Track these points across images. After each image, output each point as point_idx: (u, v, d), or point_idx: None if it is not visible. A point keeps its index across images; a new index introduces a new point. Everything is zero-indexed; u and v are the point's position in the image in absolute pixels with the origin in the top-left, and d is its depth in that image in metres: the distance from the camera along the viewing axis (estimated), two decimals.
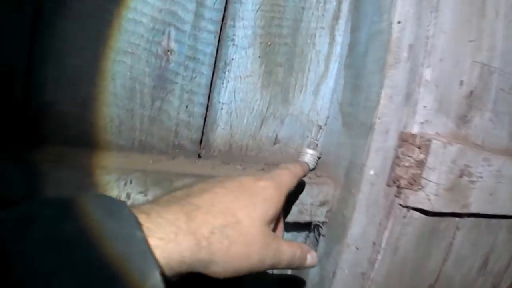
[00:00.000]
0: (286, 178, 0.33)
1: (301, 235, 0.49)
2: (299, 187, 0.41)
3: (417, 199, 0.40)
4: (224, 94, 0.44)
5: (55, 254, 0.18)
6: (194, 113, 0.43)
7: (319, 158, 0.47)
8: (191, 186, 0.29)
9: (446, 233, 0.46)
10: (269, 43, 0.44)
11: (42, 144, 0.36)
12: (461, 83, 0.43)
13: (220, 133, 0.45)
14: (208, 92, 0.43)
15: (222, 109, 0.44)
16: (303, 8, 0.45)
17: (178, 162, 0.41)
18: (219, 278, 0.26)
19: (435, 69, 0.40)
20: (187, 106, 0.42)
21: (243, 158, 0.47)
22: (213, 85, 0.43)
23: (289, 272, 0.50)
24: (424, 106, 0.40)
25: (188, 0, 0.39)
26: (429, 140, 0.38)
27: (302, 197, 0.41)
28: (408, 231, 0.42)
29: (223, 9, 0.41)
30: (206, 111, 0.43)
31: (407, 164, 0.40)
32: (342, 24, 0.47)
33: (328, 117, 0.49)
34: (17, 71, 0.35)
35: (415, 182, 0.39)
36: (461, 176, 0.41)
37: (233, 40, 0.43)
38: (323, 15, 0.46)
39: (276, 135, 0.48)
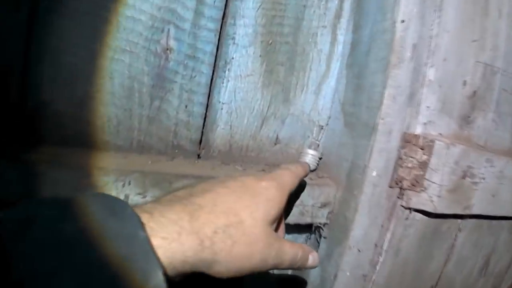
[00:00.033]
0: (287, 178, 0.33)
1: (302, 237, 0.49)
2: (300, 188, 0.40)
3: (420, 200, 0.39)
4: (224, 94, 0.43)
5: (55, 254, 0.18)
6: (194, 112, 0.42)
7: (320, 158, 0.46)
8: (193, 186, 0.29)
9: (448, 235, 0.45)
10: (270, 41, 0.44)
11: (39, 144, 0.35)
12: (464, 83, 0.42)
13: (220, 133, 0.44)
14: (208, 92, 0.42)
15: (222, 108, 0.44)
16: (304, 6, 0.44)
17: (177, 163, 0.40)
18: (222, 278, 0.25)
19: (439, 69, 0.40)
20: (186, 106, 0.41)
21: (243, 159, 0.46)
22: (213, 84, 0.42)
23: (289, 272, 0.50)
24: (428, 107, 0.40)
25: None
26: (432, 141, 0.38)
27: (303, 198, 0.41)
28: (410, 233, 0.42)
29: (223, 7, 0.40)
30: (206, 110, 0.43)
31: (409, 165, 0.39)
32: (344, 23, 0.46)
33: (329, 117, 0.48)
34: (13, 71, 0.34)
35: (417, 184, 0.39)
36: (463, 177, 0.40)
37: (233, 38, 0.42)
38: (325, 13, 0.45)
39: (277, 135, 0.47)
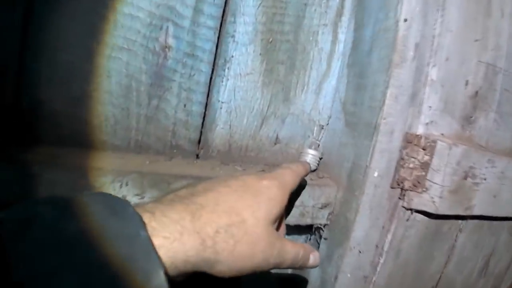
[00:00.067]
0: (289, 178, 0.33)
1: (302, 238, 0.48)
2: (300, 187, 0.40)
3: (421, 201, 0.39)
4: (224, 93, 0.43)
5: (56, 254, 0.17)
6: (192, 112, 0.41)
7: (320, 158, 0.46)
8: (194, 185, 0.29)
9: (449, 235, 0.45)
10: (271, 40, 0.43)
11: (35, 144, 0.35)
12: (467, 83, 0.42)
13: (219, 132, 0.44)
14: (207, 91, 0.41)
15: (221, 108, 0.43)
16: (305, 4, 0.44)
17: (175, 163, 0.39)
18: (223, 277, 0.25)
19: (441, 69, 0.39)
20: (185, 105, 0.41)
21: (243, 159, 0.45)
22: (212, 83, 0.42)
23: (289, 272, 0.49)
24: (430, 107, 0.39)
25: None
26: (434, 142, 0.37)
27: (304, 199, 0.40)
28: (411, 234, 0.42)
29: (223, 4, 0.40)
30: (205, 110, 0.42)
31: (411, 165, 0.39)
32: (346, 21, 0.46)
33: (330, 117, 0.47)
34: (8, 71, 0.33)
35: (419, 184, 0.39)
36: (465, 178, 0.40)
37: (233, 36, 0.41)
38: (326, 11, 0.45)
39: (277, 135, 0.46)
